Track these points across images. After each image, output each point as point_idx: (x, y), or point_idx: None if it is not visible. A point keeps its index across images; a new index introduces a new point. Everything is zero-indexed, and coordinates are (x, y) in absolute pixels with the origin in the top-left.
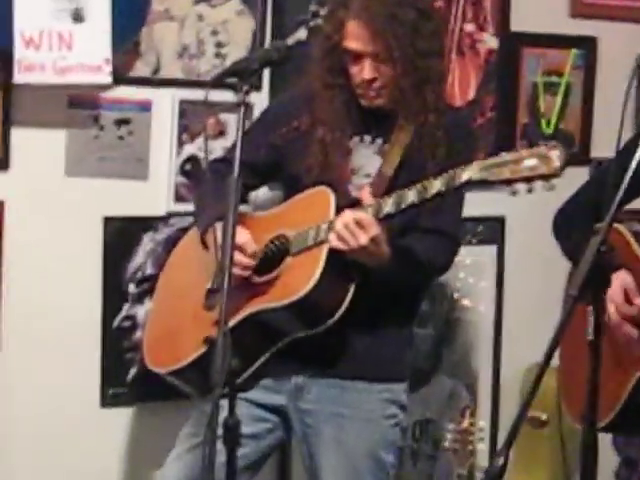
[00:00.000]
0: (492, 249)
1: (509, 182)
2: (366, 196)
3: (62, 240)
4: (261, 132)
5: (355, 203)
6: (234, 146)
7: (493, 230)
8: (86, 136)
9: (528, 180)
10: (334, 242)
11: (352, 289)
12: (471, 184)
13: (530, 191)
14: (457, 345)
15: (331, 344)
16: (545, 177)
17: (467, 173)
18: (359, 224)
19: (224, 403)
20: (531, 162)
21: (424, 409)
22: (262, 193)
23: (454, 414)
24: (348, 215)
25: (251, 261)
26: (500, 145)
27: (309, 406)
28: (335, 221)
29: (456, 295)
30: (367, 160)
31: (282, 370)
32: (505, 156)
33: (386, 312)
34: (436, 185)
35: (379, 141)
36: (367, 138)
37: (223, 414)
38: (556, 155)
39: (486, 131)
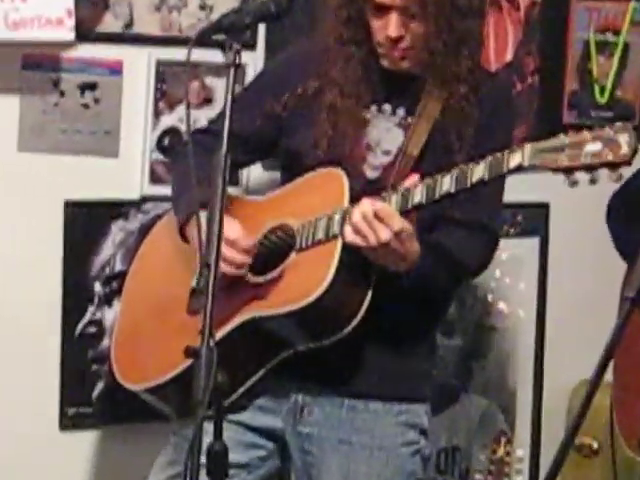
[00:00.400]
0: (533, 242)
1: (568, 170)
2: (412, 182)
3: (13, 229)
4: (255, 99)
5: (372, 188)
6: (222, 115)
7: (535, 219)
8: (44, 104)
9: (590, 169)
10: (350, 236)
11: (369, 295)
12: (521, 171)
13: (593, 182)
14: (490, 358)
15: (339, 356)
16: (611, 165)
17: (516, 158)
18: (379, 216)
19: (209, 426)
20: (595, 147)
21: (450, 435)
22: (255, 174)
23: (487, 441)
24: (367, 204)
25: (245, 258)
26: (544, 117)
27: (311, 430)
28: (351, 211)
29: (490, 298)
30: (386, 134)
31: (279, 388)
32: (563, 139)
33: (405, 319)
34: (478, 171)
35: (401, 112)
36: (387, 108)
37: (207, 439)
38: (625, 139)
39: (527, 100)
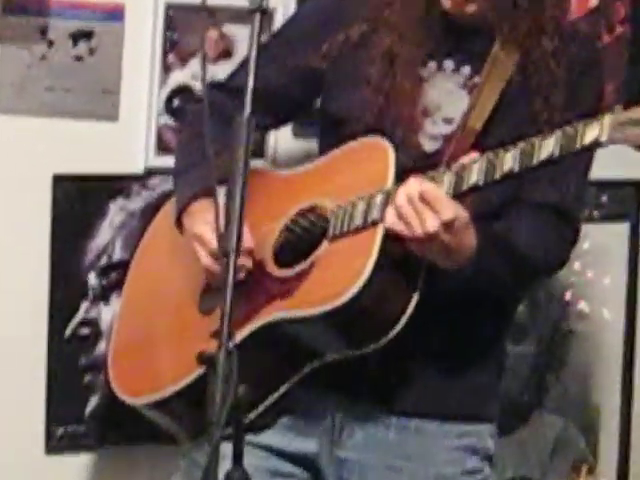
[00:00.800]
0: (621, 228)
1: None
2: (470, 159)
3: None
4: (286, 49)
5: (429, 164)
6: (242, 68)
7: (623, 200)
8: (28, 56)
9: None
10: (390, 221)
11: (417, 294)
12: (598, 147)
13: None
14: (569, 368)
15: (385, 367)
16: None
17: (593, 132)
18: (426, 199)
19: (227, 449)
20: None
21: (520, 462)
22: (284, 142)
23: (563, 470)
24: (413, 185)
25: (248, 262)
26: (636, 75)
27: (351, 455)
28: (395, 192)
29: (568, 296)
30: (448, 98)
31: (313, 403)
32: None
33: (466, 323)
34: (547, 146)
35: (465, 70)
36: (448, 64)
37: (225, 465)
38: None
39: (615, 55)
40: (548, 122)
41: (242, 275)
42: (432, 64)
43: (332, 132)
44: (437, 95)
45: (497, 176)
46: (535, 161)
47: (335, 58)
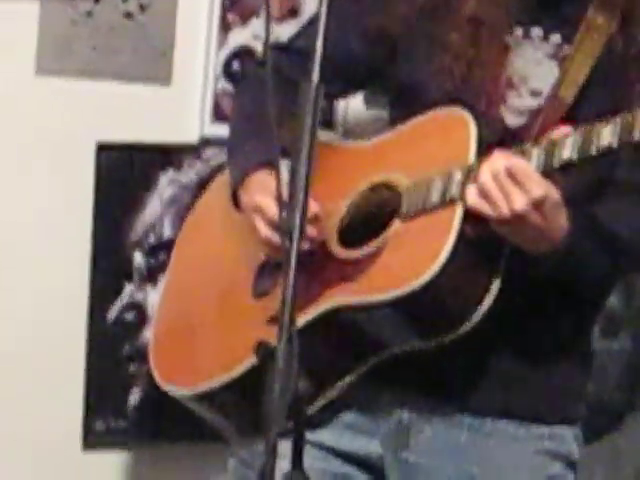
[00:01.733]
0: None
1: None
2: (562, 133)
3: (28, 180)
4: (359, 10)
5: (513, 140)
6: (309, 28)
7: None
8: (72, 12)
9: None
10: (472, 200)
11: (498, 282)
12: None
13: None
14: None
15: (457, 361)
16: None
17: None
18: (514, 176)
19: (282, 448)
20: None
21: (611, 471)
22: (355, 110)
23: None
24: (499, 159)
25: (311, 230)
26: None
27: (419, 458)
28: (478, 167)
29: None
30: (535, 68)
31: (377, 400)
32: None
33: (549, 313)
34: None
35: (555, 39)
36: (536, 32)
37: (281, 466)
38: None
39: None
40: None
41: (306, 246)
42: (518, 31)
43: (405, 102)
44: (523, 65)
45: (593, 151)
46: (636, 136)
47: (413, 21)
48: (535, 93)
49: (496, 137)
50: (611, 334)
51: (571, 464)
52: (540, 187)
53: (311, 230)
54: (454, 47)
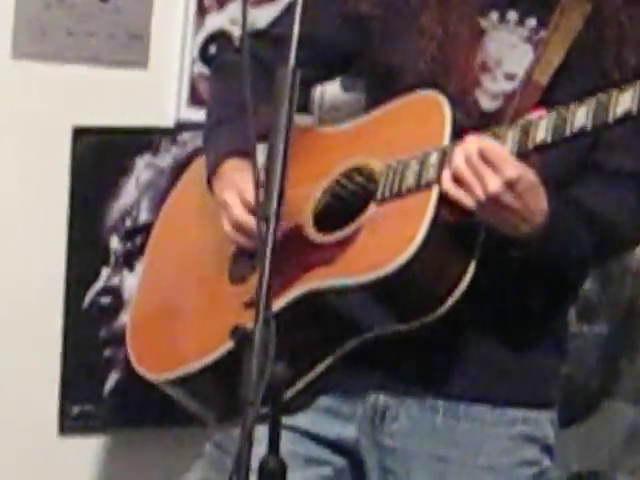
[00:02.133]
0: None
1: None
2: (536, 116)
3: (4, 164)
4: None
5: (488, 124)
6: (286, 15)
7: None
8: None
9: None
10: (448, 184)
11: (474, 265)
12: None
13: None
14: None
15: (433, 345)
16: None
17: None
18: (487, 158)
19: (259, 433)
20: None
21: (587, 454)
22: (332, 94)
23: (637, 463)
24: (472, 143)
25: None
26: None
27: (394, 442)
28: (452, 150)
29: None
30: (510, 52)
31: (353, 383)
32: None
33: (523, 297)
34: (623, 101)
35: (531, 22)
36: (512, 16)
37: (258, 451)
38: None
39: None
40: (618, 83)
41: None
42: (494, 14)
43: (381, 86)
44: (498, 49)
45: (567, 133)
46: (611, 117)
47: (387, 4)
48: (510, 77)
49: (472, 121)
50: (587, 319)
51: (547, 447)
52: (514, 168)
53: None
54: (424, 28)
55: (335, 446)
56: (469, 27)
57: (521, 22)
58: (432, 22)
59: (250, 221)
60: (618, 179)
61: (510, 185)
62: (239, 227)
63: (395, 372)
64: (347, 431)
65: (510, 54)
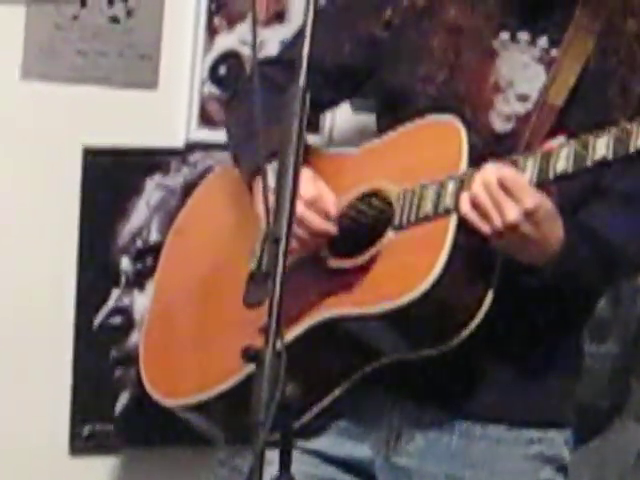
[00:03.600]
0: None
1: None
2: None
3: (13, 185)
4: (345, 16)
5: (501, 146)
6: (298, 38)
7: None
8: (57, 16)
9: None
10: (466, 211)
11: (492, 294)
12: None
13: None
14: None
15: (448, 367)
16: None
17: None
18: (506, 187)
19: (273, 456)
20: None
21: (598, 474)
22: (342, 118)
23: None
24: (491, 171)
25: (328, 225)
26: None
27: (409, 462)
28: (470, 178)
29: None
30: (522, 72)
31: (368, 405)
32: None
33: (537, 320)
34: None
35: (542, 42)
36: (523, 36)
37: (270, 472)
38: None
39: None
40: (621, 109)
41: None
42: (505, 35)
43: (391, 107)
44: (510, 69)
45: (588, 163)
46: (632, 147)
47: (398, 27)
48: (522, 98)
49: (484, 143)
50: (599, 339)
51: (561, 468)
52: (532, 198)
53: (330, 227)
54: (436, 53)
55: (349, 466)
56: (480, 50)
57: (532, 42)
58: (443, 47)
59: (311, 216)
60: (629, 204)
61: (528, 215)
62: (300, 222)
63: (410, 394)
64: (361, 451)
65: (522, 75)
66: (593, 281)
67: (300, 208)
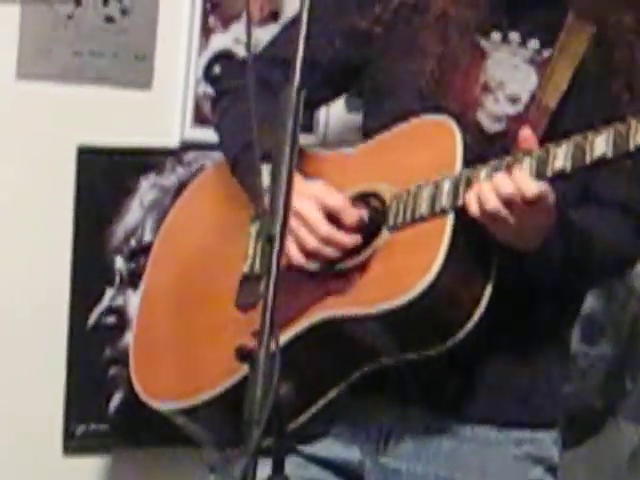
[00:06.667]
0: None
1: None
2: (528, 140)
3: (8, 183)
4: (336, 14)
5: (490, 146)
6: (284, 35)
7: None
8: (53, 16)
9: None
10: (473, 207)
11: (489, 291)
12: None
13: None
14: None
15: (438, 371)
16: None
17: None
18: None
19: (263, 463)
20: None
21: (591, 475)
22: (336, 117)
23: None
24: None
25: (355, 238)
26: None
27: (399, 464)
28: (476, 175)
29: None
30: (513, 73)
31: (358, 407)
32: None
33: (526, 321)
34: None
35: (533, 44)
36: (514, 37)
37: (263, 474)
38: None
39: None
40: (630, 106)
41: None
42: (496, 35)
43: (380, 106)
44: (500, 70)
45: (587, 161)
46: (631, 145)
47: (389, 22)
48: (513, 99)
49: (475, 143)
50: (591, 340)
51: (551, 468)
52: (535, 184)
53: (354, 238)
54: (424, 46)
55: (339, 469)
56: (470, 47)
57: (523, 43)
58: (432, 40)
59: (338, 235)
60: (614, 211)
61: (532, 202)
62: (328, 242)
63: (400, 396)
64: (351, 454)
65: (513, 76)
66: (582, 271)
67: (325, 228)
